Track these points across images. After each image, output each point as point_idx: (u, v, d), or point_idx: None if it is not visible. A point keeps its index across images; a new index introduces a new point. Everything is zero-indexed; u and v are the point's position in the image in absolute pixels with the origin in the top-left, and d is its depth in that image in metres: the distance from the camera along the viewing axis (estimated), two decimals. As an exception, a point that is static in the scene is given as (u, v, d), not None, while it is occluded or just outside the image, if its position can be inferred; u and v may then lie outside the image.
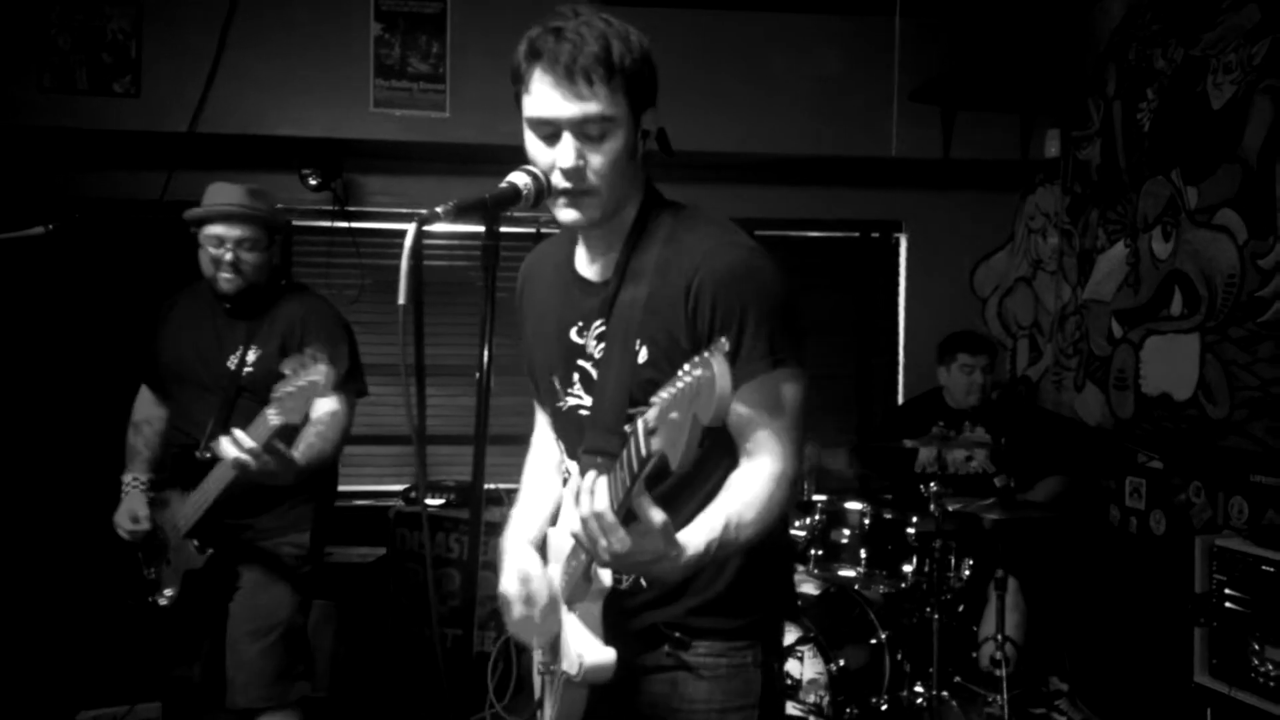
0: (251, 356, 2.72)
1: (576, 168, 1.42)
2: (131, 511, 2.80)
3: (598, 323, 1.56)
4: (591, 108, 1.40)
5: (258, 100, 4.07)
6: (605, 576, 1.49)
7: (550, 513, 1.79)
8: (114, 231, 4.20)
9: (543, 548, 1.72)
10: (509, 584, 1.64)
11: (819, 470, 3.95)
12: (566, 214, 1.48)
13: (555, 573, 1.63)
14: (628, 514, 1.26)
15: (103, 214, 4.16)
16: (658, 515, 1.25)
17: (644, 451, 1.13)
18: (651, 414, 1.11)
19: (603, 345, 1.55)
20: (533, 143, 1.46)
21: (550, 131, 1.43)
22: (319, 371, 2.34)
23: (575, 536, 1.30)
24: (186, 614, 2.74)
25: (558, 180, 1.44)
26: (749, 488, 1.46)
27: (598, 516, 1.24)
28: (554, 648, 1.60)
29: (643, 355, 1.49)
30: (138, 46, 4.03)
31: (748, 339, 1.42)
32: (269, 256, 2.78)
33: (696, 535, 1.36)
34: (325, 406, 2.67)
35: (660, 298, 1.49)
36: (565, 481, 1.69)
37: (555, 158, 1.43)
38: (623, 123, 1.44)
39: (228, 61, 4.03)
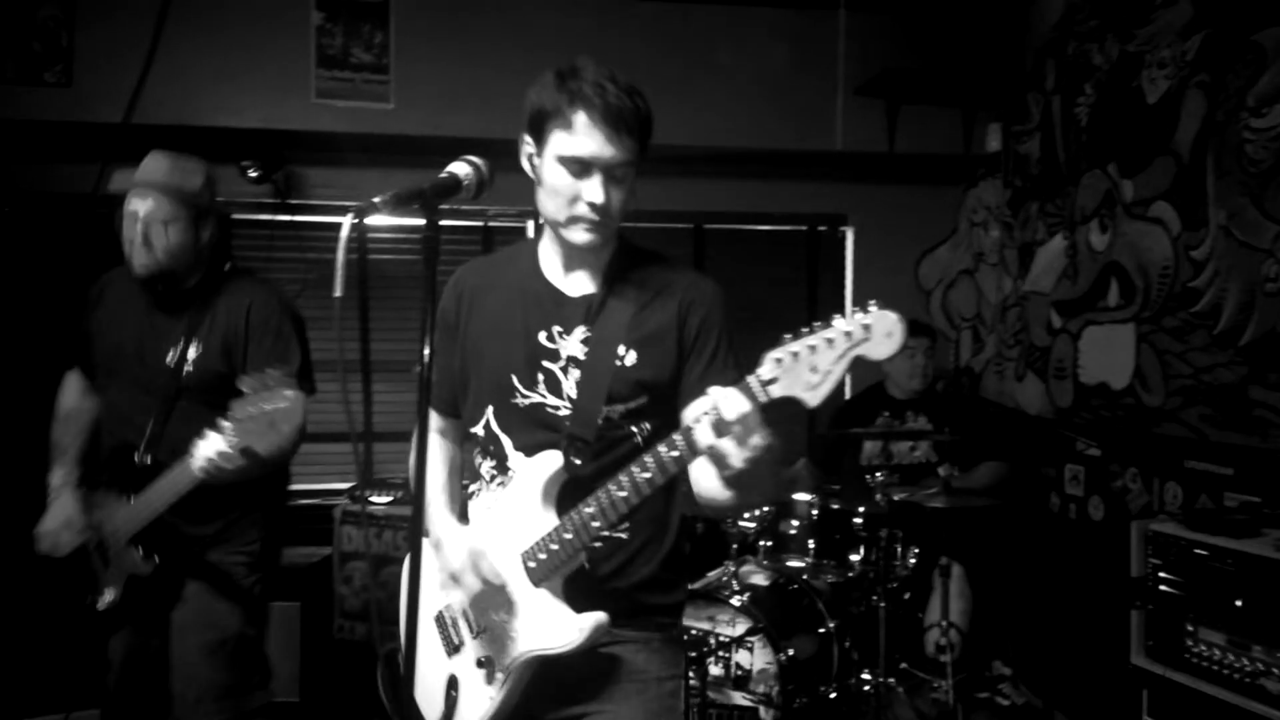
0: (192, 354, 2.50)
1: (605, 204, 1.63)
2: (66, 519, 2.61)
3: (580, 329, 1.72)
4: (625, 154, 1.62)
5: (195, 90, 3.97)
6: (582, 555, 1.63)
7: (457, 510, 1.89)
8: (46, 226, 4.08)
9: (431, 556, 1.81)
10: (456, 560, 1.73)
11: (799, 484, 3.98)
12: (583, 237, 1.66)
13: (504, 563, 1.69)
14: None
15: (34, 207, 4.04)
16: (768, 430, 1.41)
17: (761, 398, 1.37)
18: (766, 369, 1.38)
19: (587, 350, 1.71)
20: (559, 175, 1.63)
21: (582, 169, 1.62)
22: (284, 398, 2.12)
23: (717, 448, 1.40)
24: (126, 619, 2.60)
25: (582, 211, 1.63)
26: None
27: (744, 418, 1.37)
28: (505, 634, 1.66)
29: (630, 359, 1.69)
30: (69, 34, 3.91)
31: (723, 352, 1.72)
32: (192, 239, 2.50)
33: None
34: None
35: (652, 312, 1.72)
36: (495, 478, 1.77)
37: (582, 191, 1.63)
38: (636, 165, 1.66)
39: (164, 49, 3.92)
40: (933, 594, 3.60)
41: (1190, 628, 2.68)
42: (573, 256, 1.76)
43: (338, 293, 1.21)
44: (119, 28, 3.92)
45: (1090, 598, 3.60)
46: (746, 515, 3.57)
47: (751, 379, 1.38)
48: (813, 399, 1.35)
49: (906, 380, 4.09)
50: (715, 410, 1.39)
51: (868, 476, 3.52)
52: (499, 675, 1.67)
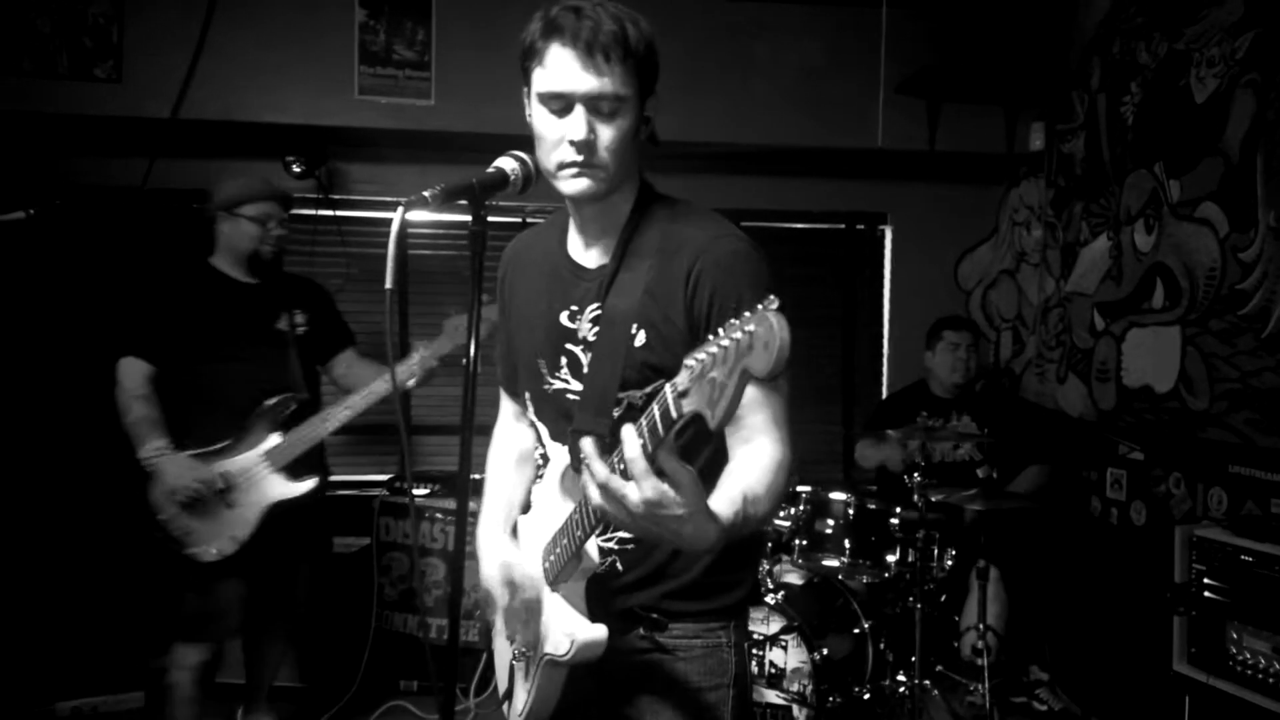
0: (301, 319, 3.17)
1: (587, 140, 1.44)
2: (185, 470, 2.93)
3: (593, 307, 1.57)
4: (608, 84, 1.43)
5: (241, 86, 4.03)
6: (594, 554, 1.50)
7: (521, 500, 1.81)
8: (95, 218, 4.16)
9: (514, 534, 1.73)
10: (491, 573, 1.65)
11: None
12: (572, 184, 1.49)
13: (527, 558, 1.64)
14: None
15: (84, 200, 4.12)
16: (687, 470, 1.19)
17: (674, 414, 1.13)
18: (682, 377, 1.12)
19: (597, 329, 1.56)
20: (542, 116, 1.48)
21: (563, 105, 1.45)
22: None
23: (590, 500, 1.24)
24: (243, 564, 2.99)
25: (566, 153, 1.46)
26: (754, 467, 1.44)
27: (630, 464, 1.16)
28: (533, 632, 1.61)
29: (640, 339, 1.51)
30: (119, 31, 3.98)
31: None
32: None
33: (720, 505, 1.31)
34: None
35: (659, 283, 1.52)
36: (541, 466, 1.69)
37: (565, 130, 1.45)
38: (632, 104, 1.47)
39: (211, 47, 3.98)
40: (969, 596, 3.58)
41: (1234, 635, 2.64)
42: (588, 221, 1.60)
43: (389, 284, 1.22)
44: (167, 25, 3.99)
45: (1130, 603, 3.56)
46: (781, 514, 3.57)
47: (667, 388, 1.14)
48: (713, 417, 1.09)
49: (948, 374, 4.06)
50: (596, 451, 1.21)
51: (905, 477, 3.49)
52: (531, 671, 1.62)
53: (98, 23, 3.97)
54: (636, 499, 1.17)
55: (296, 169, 4.24)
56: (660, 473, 1.17)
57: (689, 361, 1.12)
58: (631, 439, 1.17)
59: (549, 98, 1.46)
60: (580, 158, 1.46)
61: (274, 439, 3.01)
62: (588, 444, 1.22)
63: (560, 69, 1.43)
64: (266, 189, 3.14)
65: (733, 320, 1.09)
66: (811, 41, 4.38)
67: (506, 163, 1.41)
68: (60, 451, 3.78)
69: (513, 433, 1.87)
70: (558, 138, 1.46)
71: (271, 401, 3.01)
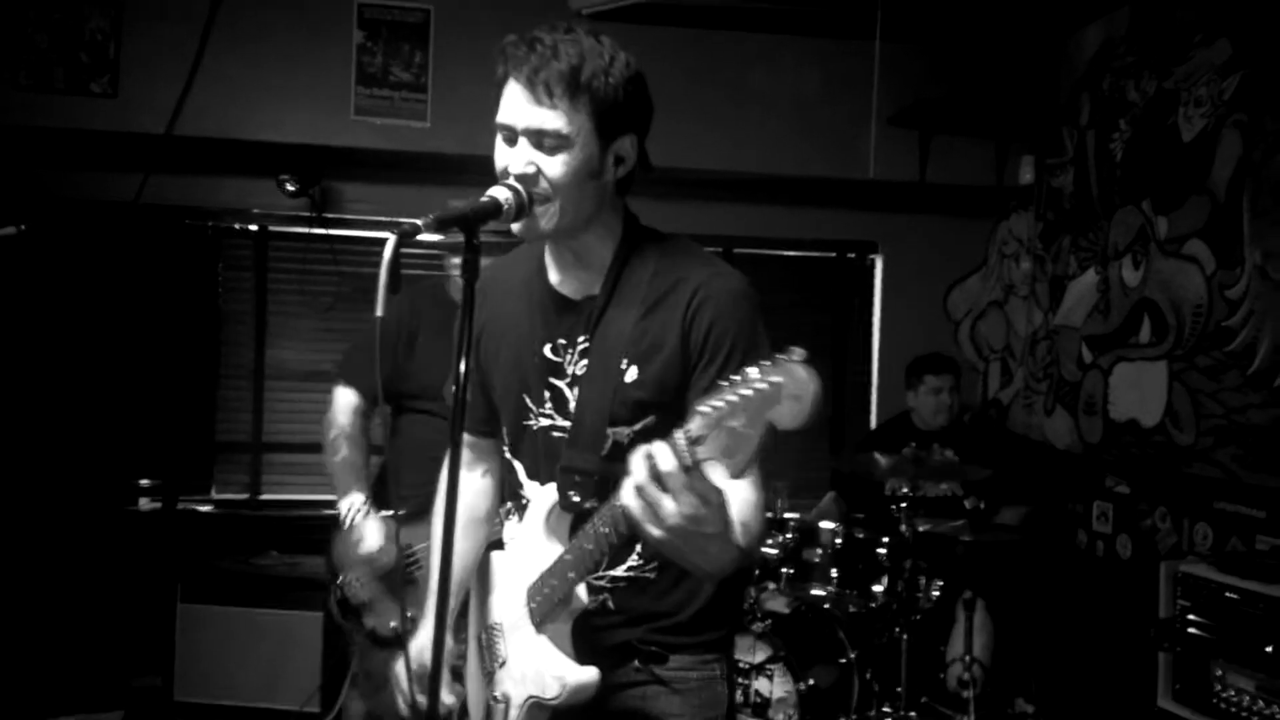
0: None
1: (525, 174, 1.42)
2: (389, 537, 2.60)
3: (580, 340, 1.54)
4: (547, 120, 1.41)
5: (237, 104, 4.04)
6: (583, 595, 1.49)
7: (465, 576, 1.73)
8: (88, 233, 4.16)
9: (484, 571, 1.70)
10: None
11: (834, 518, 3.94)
12: (519, 224, 1.45)
13: (504, 598, 1.62)
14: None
15: (77, 215, 4.11)
16: (718, 490, 1.19)
17: (688, 461, 1.12)
18: (696, 423, 1.10)
19: (585, 363, 1.53)
20: (498, 146, 1.47)
21: (508, 136, 1.45)
22: None
23: (627, 506, 1.22)
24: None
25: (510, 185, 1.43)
26: (736, 503, 1.38)
27: (666, 477, 1.15)
28: (511, 677, 1.58)
29: (630, 374, 1.49)
30: (116, 47, 3.99)
31: (736, 362, 1.43)
32: None
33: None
34: None
35: (653, 318, 1.50)
36: (512, 512, 1.65)
37: (509, 162, 1.44)
38: (582, 142, 1.43)
39: (208, 64, 4.00)
40: (955, 628, 3.57)
41: (1219, 672, 2.64)
42: (565, 255, 1.56)
43: (380, 312, 1.21)
44: (164, 42, 4.00)
45: (1116, 637, 3.55)
46: (769, 541, 3.56)
47: (679, 434, 1.14)
48: (731, 466, 1.10)
49: (931, 416, 4.08)
50: (640, 464, 1.17)
51: (892, 508, 3.50)
52: (513, 713, 1.58)
53: (95, 38, 3.98)
54: (672, 509, 1.17)
55: (290, 187, 4.25)
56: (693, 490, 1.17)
57: (702, 408, 1.10)
58: (666, 454, 1.16)
59: (498, 127, 1.46)
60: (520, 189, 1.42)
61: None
62: (641, 450, 1.18)
63: (510, 102, 1.43)
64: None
65: (751, 370, 1.08)
66: (805, 72, 4.43)
67: (500, 192, 1.41)
68: (47, 467, 3.76)
69: (464, 490, 1.65)
70: (502, 168, 1.45)
71: None
